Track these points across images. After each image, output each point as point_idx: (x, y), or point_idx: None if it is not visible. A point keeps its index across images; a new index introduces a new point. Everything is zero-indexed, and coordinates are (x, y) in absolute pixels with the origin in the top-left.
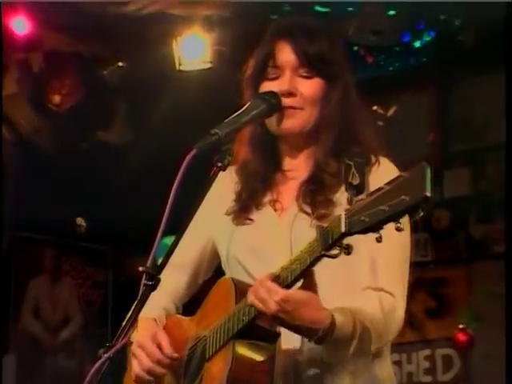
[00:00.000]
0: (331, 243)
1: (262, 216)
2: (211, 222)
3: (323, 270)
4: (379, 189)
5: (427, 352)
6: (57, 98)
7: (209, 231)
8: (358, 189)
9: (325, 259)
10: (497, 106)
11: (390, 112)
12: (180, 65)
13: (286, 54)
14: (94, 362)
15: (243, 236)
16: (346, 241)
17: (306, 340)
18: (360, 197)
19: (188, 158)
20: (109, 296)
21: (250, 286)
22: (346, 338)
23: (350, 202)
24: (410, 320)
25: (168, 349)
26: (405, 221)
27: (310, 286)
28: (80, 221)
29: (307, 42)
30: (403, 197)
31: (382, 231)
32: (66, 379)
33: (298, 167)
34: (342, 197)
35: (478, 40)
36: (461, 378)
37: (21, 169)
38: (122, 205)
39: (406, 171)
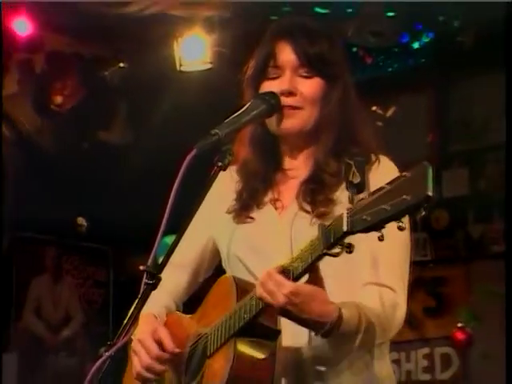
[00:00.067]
0: (333, 242)
1: (263, 214)
2: (212, 221)
3: (325, 268)
4: (381, 188)
5: (426, 350)
6: (58, 99)
7: (209, 230)
8: (359, 187)
9: (326, 257)
10: (495, 107)
11: (389, 112)
12: (181, 65)
13: (286, 54)
14: (95, 360)
15: (244, 234)
16: (348, 240)
17: (307, 337)
18: (362, 196)
19: (188, 158)
20: (110, 295)
21: (251, 283)
22: (352, 331)
23: (351, 200)
24: (409, 319)
25: (169, 344)
26: (405, 220)
27: (316, 280)
28: (81, 220)
29: (307, 42)
30: (405, 196)
31: (383, 230)
32: (67, 378)
33: (298, 166)
34: (342, 195)
35: (476, 41)
36: (459, 376)
37: (22, 169)
38: (122, 204)
39: (407, 171)
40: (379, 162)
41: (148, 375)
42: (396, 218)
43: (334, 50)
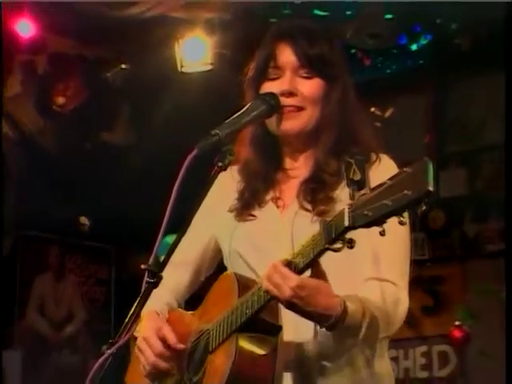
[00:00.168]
0: (335, 237)
1: (265, 212)
2: (214, 220)
3: (326, 263)
4: (382, 184)
5: (424, 348)
6: (61, 100)
7: (211, 229)
8: (360, 184)
9: (327, 253)
10: (492, 108)
11: (387, 113)
12: (182, 67)
13: (286, 56)
14: (97, 357)
15: (245, 231)
16: (349, 235)
17: (309, 333)
18: (363, 192)
19: (189, 158)
20: (112, 293)
21: (252, 280)
22: (356, 325)
23: (352, 197)
24: (408, 317)
25: (173, 340)
26: (405, 216)
27: (318, 274)
28: (84, 220)
29: (307, 43)
30: (406, 191)
31: (384, 225)
32: (69, 375)
33: (298, 166)
34: (342, 193)
35: (473, 43)
36: (457, 373)
37: (25, 169)
38: (124, 204)
39: (408, 166)
40: (380, 160)
41: (155, 372)
42: (397, 212)
43: (334, 51)
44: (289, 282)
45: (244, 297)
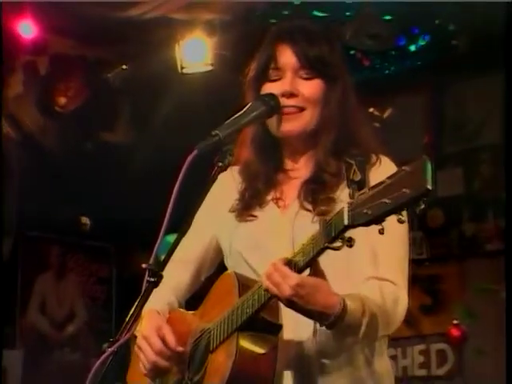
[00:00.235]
0: (334, 236)
1: (266, 212)
2: (215, 220)
3: (324, 263)
4: (381, 183)
5: (422, 347)
6: (62, 100)
7: (212, 229)
8: (360, 185)
9: (326, 252)
10: (489, 108)
11: (386, 114)
12: (182, 67)
13: (286, 57)
14: (98, 356)
15: (246, 231)
16: (348, 234)
17: (309, 331)
18: (362, 191)
19: (189, 158)
20: (113, 292)
21: (253, 279)
22: (356, 323)
23: (352, 196)
24: (406, 316)
25: (172, 342)
26: (404, 214)
27: (318, 273)
28: (85, 219)
29: (307, 44)
30: (405, 190)
31: (383, 223)
32: (71, 373)
33: (299, 167)
34: (342, 194)
35: (471, 44)
36: (454, 372)
37: (27, 169)
38: (125, 204)
39: (407, 165)
40: (380, 161)
41: (154, 370)
42: (396, 211)
43: (333, 52)
44: (289, 281)
45: (244, 296)
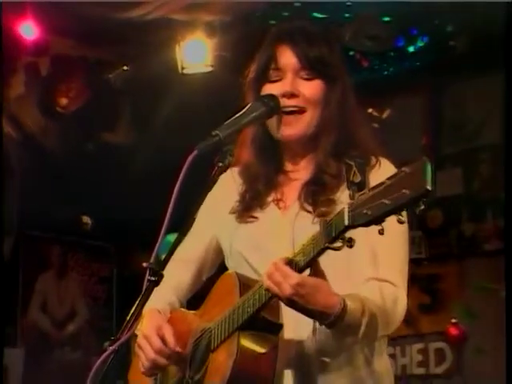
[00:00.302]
0: (335, 236)
1: (266, 214)
2: (216, 221)
3: (324, 263)
4: (381, 183)
5: (420, 345)
6: (64, 101)
7: (213, 229)
8: (360, 186)
9: (326, 253)
10: (488, 109)
11: (385, 114)
12: (182, 68)
13: (287, 58)
14: (99, 354)
15: (247, 232)
16: (349, 234)
17: (309, 330)
18: (362, 192)
19: (190, 158)
20: (113, 291)
21: (253, 279)
22: (355, 323)
23: (352, 197)
24: (405, 315)
25: (171, 342)
26: (404, 215)
27: (318, 273)
28: (86, 219)
29: (307, 45)
30: (405, 190)
31: (383, 224)
32: (71, 371)
33: (299, 169)
34: (342, 196)
35: (469, 44)
36: (453, 370)
37: (28, 169)
38: (126, 203)
39: (406, 166)
40: (380, 164)
41: (153, 369)
42: (396, 211)
43: (333, 53)
44: (289, 280)
45: (245, 295)
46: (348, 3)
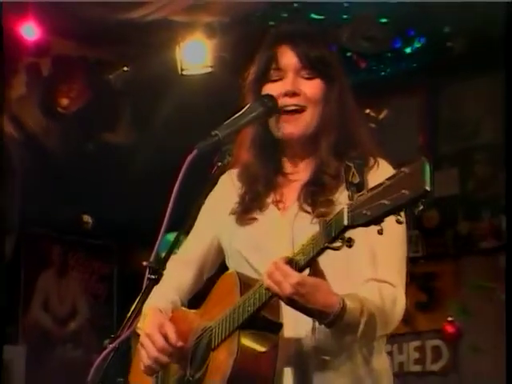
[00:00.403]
0: (334, 236)
1: (266, 215)
2: (216, 221)
3: (324, 263)
4: (380, 184)
5: (417, 343)
6: (65, 101)
7: (214, 229)
8: (358, 187)
9: (325, 253)
10: (484, 109)
11: (382, 115)
12: (182, 69)
13: (288, 58)
14: (99, 352)
15: (247, 232)
16: (348, 234)
17: (308, 329)
18: (361, 192)
19: (189, 158)
20: (114, 289)
21: (254, 279)
22: (354, 322)
23: (351, 198)
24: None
25: (173, 338)
26: (402, 215)
27: (317, 273)
28: (86, 218)
29: (307, 45)
30: (404, 191)
31: (382, 224)
32: (73, 369)
33: (299, 169)
34: (341, 196)
35: (466, 45)
36: (449, 368)
37: (30, 169)
38: (126, 203)
39: (405, 166)
40: (378, 165)
41: (155, 367)
42: (395, 211)
43: (332, 53)
44: (289, 279)
45: (246, 295)
46: (345, 4)
